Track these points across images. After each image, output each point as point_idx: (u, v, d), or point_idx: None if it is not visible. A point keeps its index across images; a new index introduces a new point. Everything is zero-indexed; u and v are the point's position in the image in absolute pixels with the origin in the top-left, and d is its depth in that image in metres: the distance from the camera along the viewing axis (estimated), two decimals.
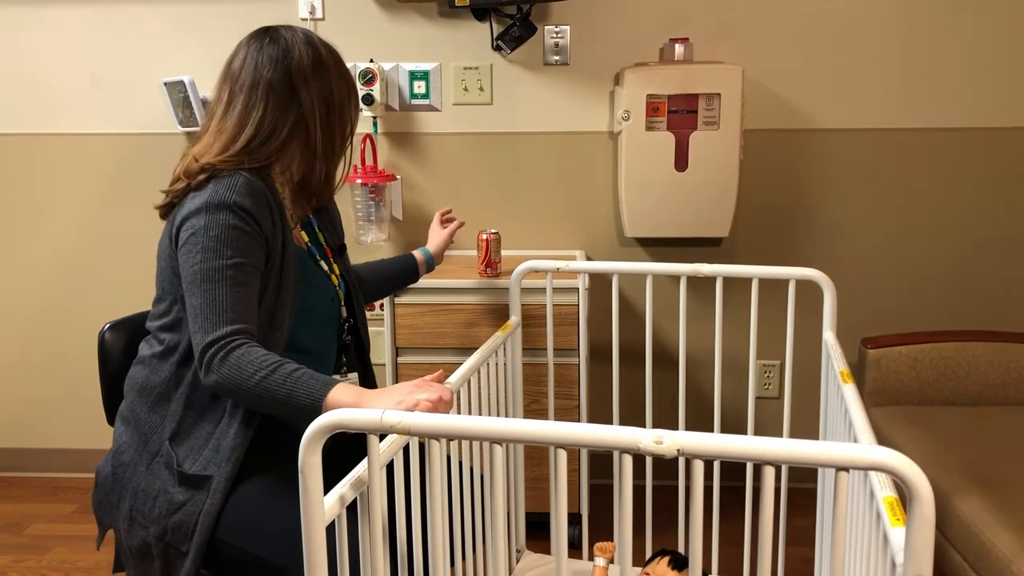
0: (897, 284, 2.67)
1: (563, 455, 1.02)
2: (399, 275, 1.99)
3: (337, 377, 1.45)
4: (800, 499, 2.47)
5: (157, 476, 1.46)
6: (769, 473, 0.94)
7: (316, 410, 1.31)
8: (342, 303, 1.67)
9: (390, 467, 1.39)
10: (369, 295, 1.93)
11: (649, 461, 1.85)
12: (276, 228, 1.49)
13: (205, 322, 1.38)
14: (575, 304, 2.26)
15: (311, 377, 1.34)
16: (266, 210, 1.47)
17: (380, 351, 2.45)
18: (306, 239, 1.63)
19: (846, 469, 0.91)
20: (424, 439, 1.44)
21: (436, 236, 2.08)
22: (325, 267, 1.65)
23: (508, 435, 1.01)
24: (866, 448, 0.89)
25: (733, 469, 2.68)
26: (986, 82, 2.54)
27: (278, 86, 1.50)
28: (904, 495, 0.88)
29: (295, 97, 1.51)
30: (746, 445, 0.92)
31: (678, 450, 0.94)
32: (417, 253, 2.03)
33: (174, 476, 1.45)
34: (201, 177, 1.47)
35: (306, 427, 1.54)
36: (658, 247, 2.68)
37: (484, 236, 2.29)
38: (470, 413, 1.64)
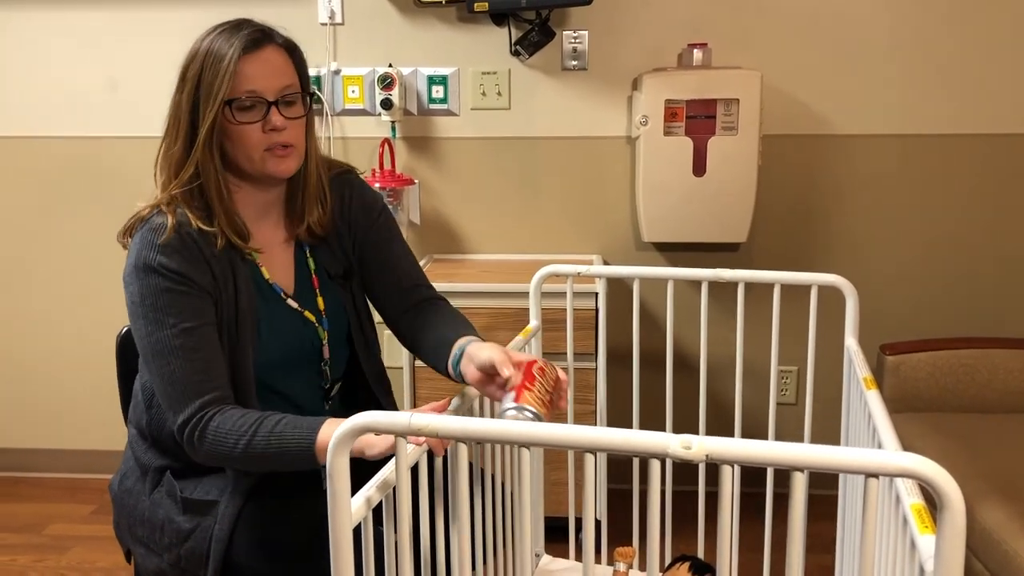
0: (916, 290, 2.65)
1: (591, 460, 1.02)
2: (432, 351, 1.51)
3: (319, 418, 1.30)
4: (814, 505, 2.46)
5: (159, 506, 1.45)
6: (798, 479, 0.94)
7: (310, 455, 1.25)
8: (324, 343, 1.49)
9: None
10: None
11: (670, 465, 1.84)
12: (218, 279, 1.36)
13: (172, 402, 1.31)
14: (592, 308, 2.26)
15: (294, 425, 1.27)
16: (199, 262, 1.34)
17: (397, 356, 2.45)
18: (267, 275, 1.45)
19: (876, 476, 0.91)
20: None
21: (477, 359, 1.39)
22: (296, 306, 1.47)
23: (537, 439, 1.01)
24: (897, 455, 0.89)
25: (749, 473, 2.67)
26: (1008, 87, 2.53)
27: None
28: (932, 501, 0.88)
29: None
30: (776, 451, 0.92)
31: (707, 455, 0.94)
32: (457, 348, 1.43)
33: (178, 505, 1.43)
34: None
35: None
36: (675, 252, 2.68)
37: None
38: (492, 417, 1.64)
